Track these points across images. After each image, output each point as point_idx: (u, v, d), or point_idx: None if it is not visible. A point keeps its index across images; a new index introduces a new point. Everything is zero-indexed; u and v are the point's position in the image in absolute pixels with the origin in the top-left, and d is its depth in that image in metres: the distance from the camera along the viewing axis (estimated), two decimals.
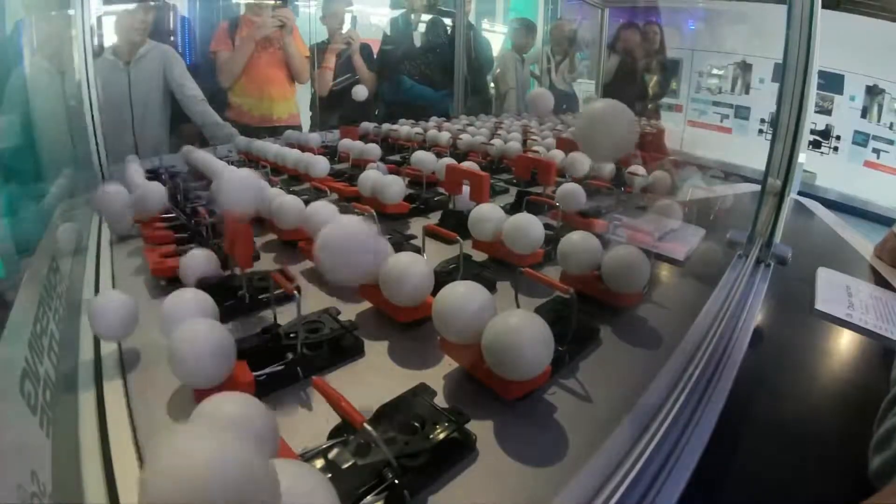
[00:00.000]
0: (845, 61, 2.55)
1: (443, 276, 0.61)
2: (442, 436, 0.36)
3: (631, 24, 2.29)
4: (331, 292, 0.63)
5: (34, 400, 0.35)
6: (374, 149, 1.20)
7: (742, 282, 0.66)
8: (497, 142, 1.32)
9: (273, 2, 1.77)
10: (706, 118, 2.71)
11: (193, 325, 0.40)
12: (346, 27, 1.97)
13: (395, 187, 0.85)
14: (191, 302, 0.47)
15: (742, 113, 2.66)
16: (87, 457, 0.38)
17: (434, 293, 0.48)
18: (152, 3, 1.53)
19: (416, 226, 0.87)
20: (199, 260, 0.59)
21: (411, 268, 0.52)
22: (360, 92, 1.82)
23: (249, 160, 1.23)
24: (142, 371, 0.48)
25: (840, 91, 2.65)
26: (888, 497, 0.34)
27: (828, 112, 2.70)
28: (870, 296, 0.74)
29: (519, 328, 0.41)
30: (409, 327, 0.55)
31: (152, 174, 1.10)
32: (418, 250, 0.67)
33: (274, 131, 1.66)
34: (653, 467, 0.36)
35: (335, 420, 0.38)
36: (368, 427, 0.33)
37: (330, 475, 0.33)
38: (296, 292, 0.47)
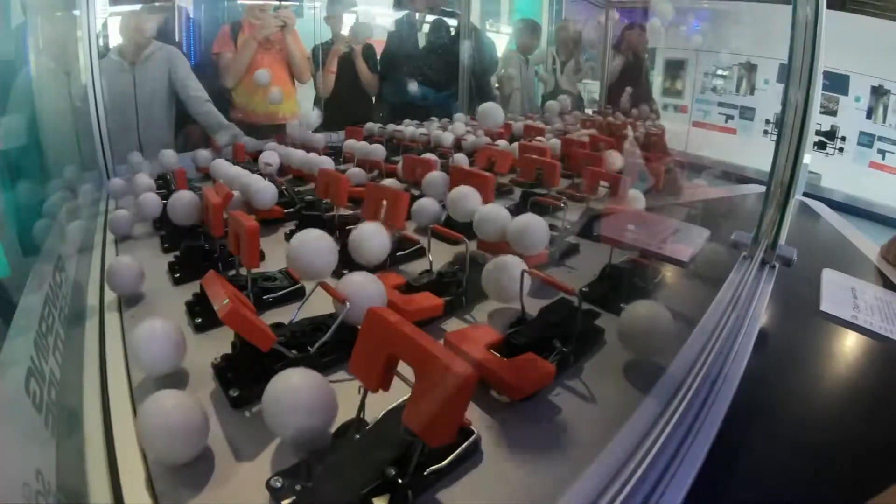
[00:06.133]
0: (850, 62, 2.53)
1: (447, 277, 0.62)
2: None
3: (635, 25, 2.28)
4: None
5: (39, 399, 0.35)
6: (378, 149, 1.20)
7: (747, 283, 0.66)
8: (502, 142, 1.31)
9: (275, 2, 1.77)
10: (711, 119, 2.70)
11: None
12: (346, 29, 1.97)
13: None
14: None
15: (747, 114, 2.65)
16: (92, 455, 0.38)
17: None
18: (157, 5, 1.53)
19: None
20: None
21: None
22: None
23: (255, 160, 1.23)
24: None
25: (845, 92, 2.64)
26: (891, 497, 0.34)
27: (833, 113, 2.69)
28: (875, 297, 0.74)
29: None
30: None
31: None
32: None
33: (279, 129, 1.67)
34: (657, 469, 0.36)
35: (339, 420, 0.38)
36: None
37: (334, 475, 0.33)
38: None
